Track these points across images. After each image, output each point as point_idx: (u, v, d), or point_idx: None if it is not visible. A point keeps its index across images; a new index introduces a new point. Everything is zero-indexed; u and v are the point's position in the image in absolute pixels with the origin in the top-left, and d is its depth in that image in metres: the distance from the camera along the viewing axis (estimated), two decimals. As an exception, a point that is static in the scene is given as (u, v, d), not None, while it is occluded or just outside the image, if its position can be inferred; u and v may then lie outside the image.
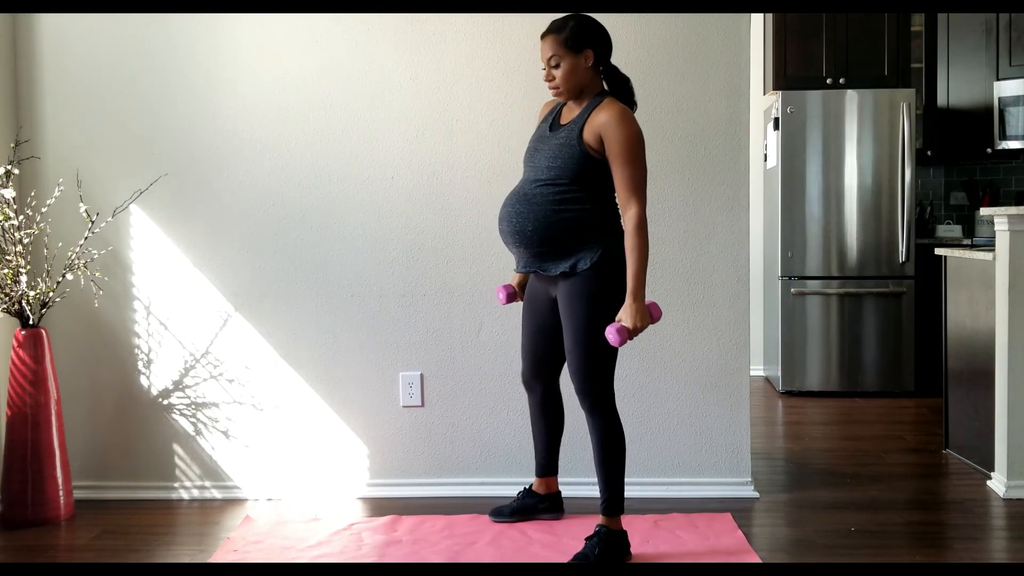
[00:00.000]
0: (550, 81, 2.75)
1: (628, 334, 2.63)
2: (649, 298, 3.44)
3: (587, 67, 2.73)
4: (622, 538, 2.80)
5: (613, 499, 2.80)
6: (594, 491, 3.41)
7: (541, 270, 2.79)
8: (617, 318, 2.67)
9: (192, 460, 3.54)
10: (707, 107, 3.41)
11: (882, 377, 5.41)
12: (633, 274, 2.65)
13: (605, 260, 2.71)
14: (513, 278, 3.13)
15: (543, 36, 2.75)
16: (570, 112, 2.80)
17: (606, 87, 2.82)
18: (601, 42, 2.75)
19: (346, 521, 3.22)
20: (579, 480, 3.43)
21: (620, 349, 3.41)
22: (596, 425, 2.78)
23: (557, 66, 2.72)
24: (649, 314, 2.69)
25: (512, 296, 3.07)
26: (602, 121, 2.66)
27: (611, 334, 2.63)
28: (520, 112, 3.40)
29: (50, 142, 3.48)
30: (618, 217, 2.79)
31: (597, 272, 2.70)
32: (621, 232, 2.74)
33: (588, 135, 2.68)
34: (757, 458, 3.89)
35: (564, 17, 2.76)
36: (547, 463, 3.14)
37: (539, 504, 3.16)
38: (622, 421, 3.44)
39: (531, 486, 3.19)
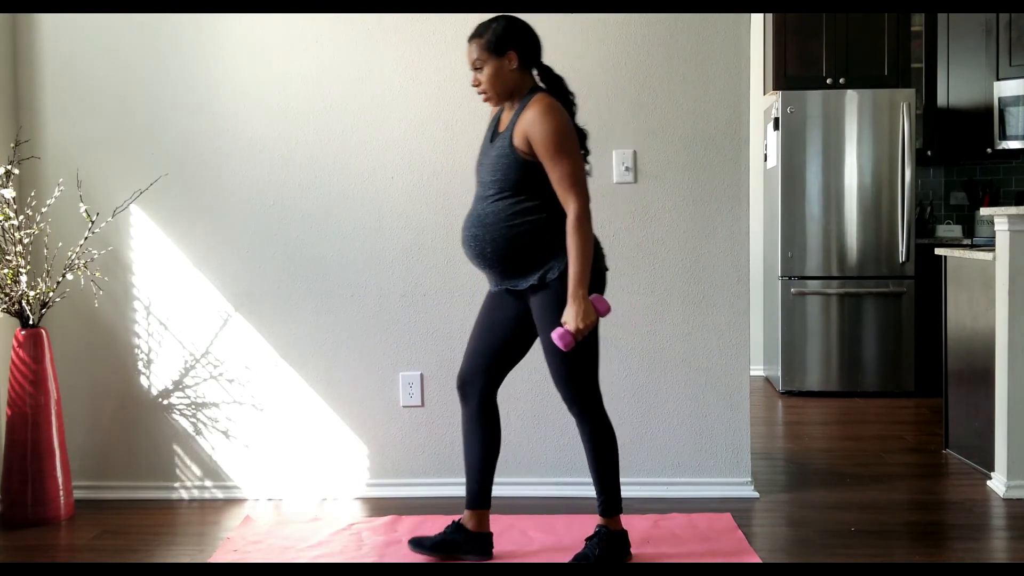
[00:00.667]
0: (476, 86, 2.68)
1: (574, 337, 2.58)
2: (650, 298, 3.44)
3: (511, 69, 2.63)
4: (622, 538, 2.79)
5: (610, 500, 2.77)
6: (593, 491, 3.42)
7: (512, 287, 2.72)
8: (562, 321, 2.59)
9: (192, 460, 3.54)
10: (707, 107, 3.41)
11: (882, 377, 5.41)
12: (573, 274, 2.56)
13: (559, 275, 2.63)
14: None
15: (468, 40, 2.68)
16: (507, 117, 2.72)
17: (542, 85, 2.73)
18: (525, 42, 2.66)
19: (346, 521, 3.22)
20: (579, 480, 3.43)
21: (613, 348, 3.41)
22: (586, 429, 2.74)
23: (481, 69, 2.65)
24: (595, 309, 2.61)
25: None
26: (525, 122, 2.59)
27: (557, 340, 2.58)
28: (520, 112, 3.40)
29: (50, 142, 3.48)
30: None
31: (565, 281, 2.61)
32: None
33: (518, 140, 2.61)
34: (757, 458, 3.88)
35: (488, 20, 2.68)
36: (479, 492, 2.82)
37: (465, 543, 2.82)
38: (622, 421, 3.45)
39: (460, 520, 2.86)
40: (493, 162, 2.68)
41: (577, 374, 2.69)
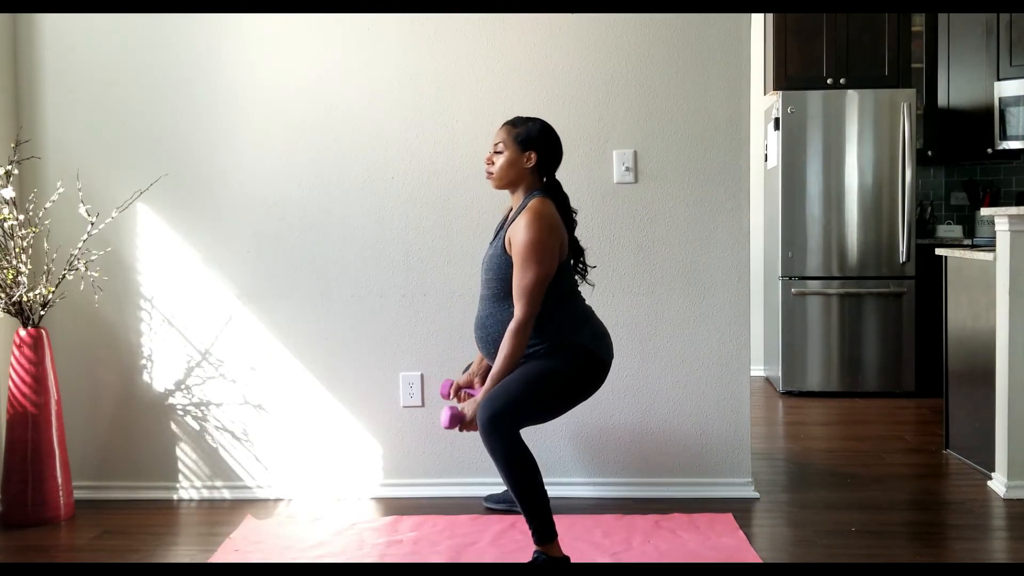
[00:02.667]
0: (488, 164, 2.79)
1: (460, 422, 2.63)
2: (650, 298, 3.44)
3: (526, 167, 2.75)
4: (563, 564, 2.65)
5: (540, 527, 2.63)
6: (593, 491, 3.42)
7: None
8: (461, 406, 2.68)
9: (192, 460, 3.54)
10: (707, 107, 3.41)
11: (882, 377, 5.41)
12: (494, 373, 2.64)
13: (564, 346, 2.71)
14: (462, 376, 3.06)
15: (502, 125, 2.81)
16: (511, 216, 2.81)
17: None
18: (549, 152, 2.77)
19: (347, 521, 3.22)
20: (577, 480, 3.43)
21: (613, 348, 3.40)
22: (497, 451, 2.58)
23: (500, 153, 2.76)
24: None
25: (447, 395, 3.03)
26: (514, 226, 2.69)
27: (445, 415, 2.63)
28: (520, 111, 3.40)
29: (50, 142, 3.49)
30: (575, 315, 2.77)
31: (554, 348, 2.70)
32: (584, 330, 2.74)
33: (507, 243, 2.71)
34: (757, 458, 3.88)
35: (528, 117, 2.81)
36: None
37: None
38: (623, 421, 3.46)
39: None
40: (488, 263, 2.79)
41: (519, 398, 2.62)
